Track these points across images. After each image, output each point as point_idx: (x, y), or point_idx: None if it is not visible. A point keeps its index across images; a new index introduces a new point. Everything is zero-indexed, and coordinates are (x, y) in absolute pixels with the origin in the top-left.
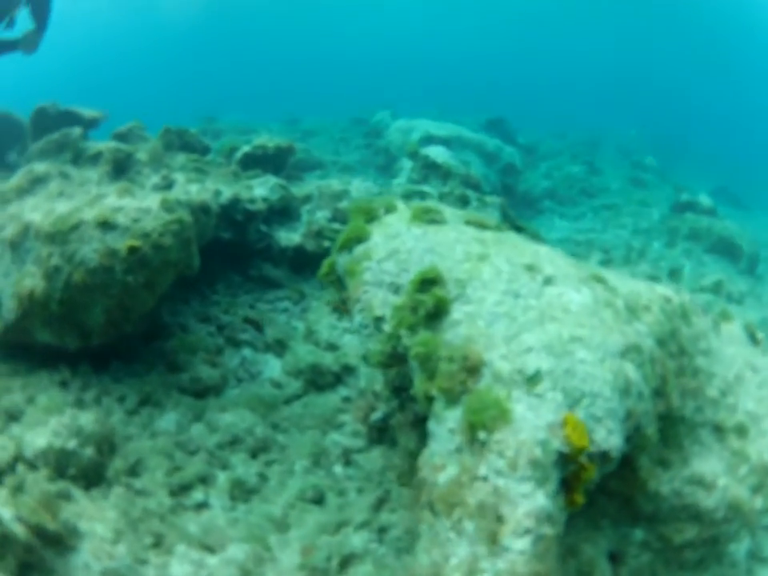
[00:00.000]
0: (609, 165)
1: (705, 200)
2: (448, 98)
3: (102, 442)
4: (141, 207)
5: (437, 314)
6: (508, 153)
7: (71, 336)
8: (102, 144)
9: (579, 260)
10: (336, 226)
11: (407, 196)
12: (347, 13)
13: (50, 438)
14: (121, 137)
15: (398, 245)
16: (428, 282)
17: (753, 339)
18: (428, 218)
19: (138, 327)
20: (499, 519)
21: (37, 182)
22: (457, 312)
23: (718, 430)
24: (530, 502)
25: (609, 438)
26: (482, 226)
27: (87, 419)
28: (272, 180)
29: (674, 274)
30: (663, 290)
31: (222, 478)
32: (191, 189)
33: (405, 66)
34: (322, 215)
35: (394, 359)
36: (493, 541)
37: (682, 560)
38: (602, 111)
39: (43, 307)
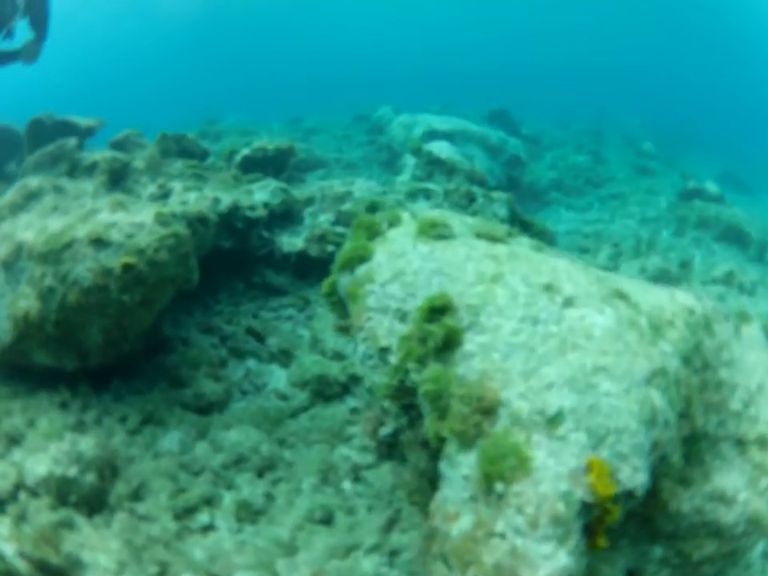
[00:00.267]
0: (614, 153)
1: (712, 187)
2: (450, 90)
3: (103, 467)
4: (135, 222)
5: (448, 346)
6: (512, 145)
7: (69, 357)
8: (97, 154)
9: (590, 257)
10: (339, 229)
11: (412, 194)
12: (346, 8)
13: (51, 466)
14: (117, 145)
15: (404, 265)
16: (437, 310)
17: None
18: (435, 232)
19: (138, 345)
20: None
21: (31, 198)
22: (470, 343)
23: (740, 443)
24: (551, 564)
25: (634, 477)
26: (493, 238)
27: (87, 444)
28: (273, 183)
29: (685, 266)
30: (685, 298)
31: (228, 498)
32: (189, 197)
33: (406, 60)
34: (324, 218)
35: (402, 392)
36: None
37: (700, 574)
38: (605, 99)
39: (39, 329)
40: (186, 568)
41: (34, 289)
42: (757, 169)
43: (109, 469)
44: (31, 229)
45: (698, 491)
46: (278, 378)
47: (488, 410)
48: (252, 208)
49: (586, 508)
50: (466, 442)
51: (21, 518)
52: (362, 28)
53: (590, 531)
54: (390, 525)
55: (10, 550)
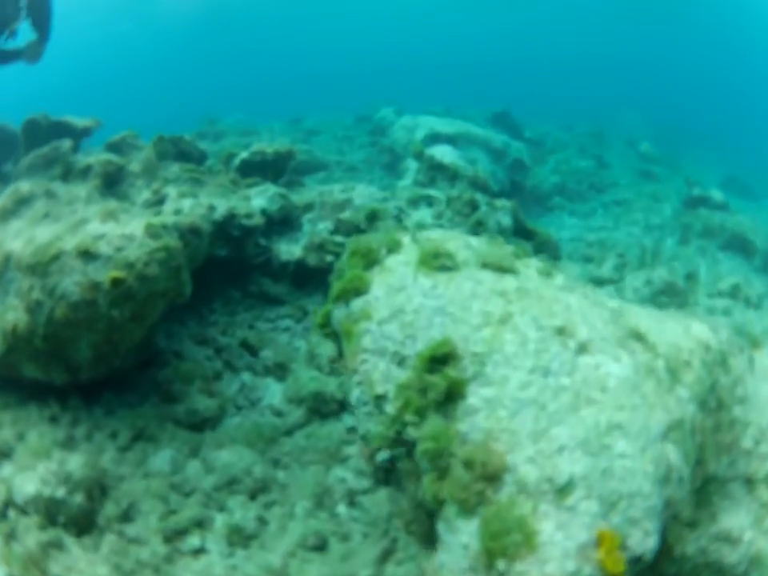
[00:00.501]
0: (617, 157)
1: (717, 194)
2: (453, 91)
3: (92, 487)
4: (124, 234)
5: (450, 398)
6: (515, 148)
7: (58, 371)
8: (92, 157)
9: (594, 267)
10: (338, 238)
11: (413, 201)
12: (348, 7)
13: (39, 486)
14: (113, 147)
15: (403, 301)
16: (439, 359)
17: None
18: (438, 263)
19: (129, 360)
20: None
21: (22, 203)
22: (474, 396)
23: (749, 481)
24: None
25: (645, 541)
26: (501, 267)
27: (76, 463)
28: (271, 189)
29: (690, 278)
30: (701, 331)
31: (220, 521)
32: (184, 204)
33: (408, 61)
34: (323, 227)
35: (399, 443)
36: None
37: None
38: (607, 100)
39: (27, 342)
40: None
41: (22, 301)
42: (761, 172)
43: (98, 489)
44: (20, 238)
45: (704, 532)
46: (274, 392)
47: (492, 476)
48: (249, 216)
49: None
50: (467, 508)
51: (10, 536)
52: (364, 28)
53: None
54: (385, 555)
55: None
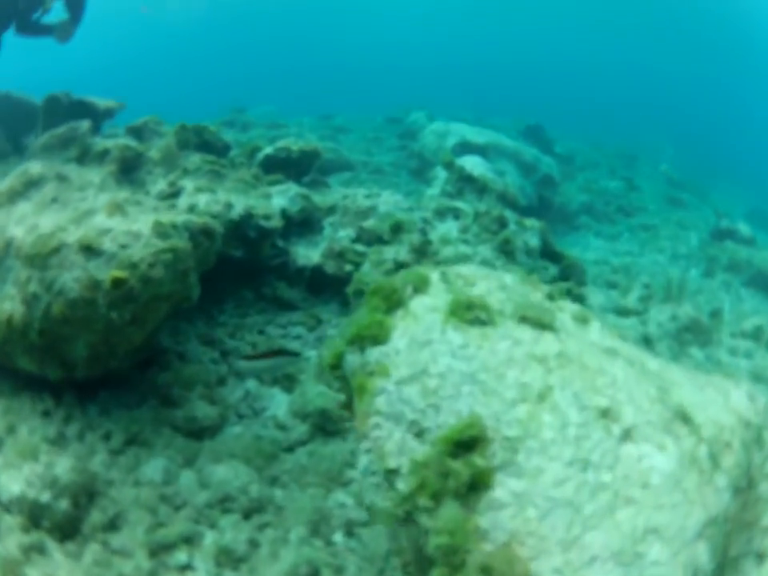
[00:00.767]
0: (646, 181)
1: (744, 228)
2: (483, 99)
3: (78, 493)
4: (131, 231)
5: (473, 488)
6: (546, 163)
7: (52, 367)
8: (110, 141)
9: (619, 295)
10: (360, 247)
11: (440, 213)
12: (386, 8)
13: (23, 488)
14: (135, 131)
15: (428, 360)
16: (465, 444)
17: None
18: (471, 316)
19: (126, 362)
20: None
21: (31, 185)
22: (501, 488)
23: (760, 556)
24: None
25: None
26: (539, 322)
27: (63, 467)
28: (293, 189)
29: (715, 315)
30: (740, 402)
31: (210, 539)
32: (199, 199)
33: (442, 65)
34: (345, 234)
35: (408, 523)
36: None
37: None
38: (638, 121)
39: (22, 335)
40: None
41: (19, 292)
42: None
43: (84, 495)
44: (23, 224)
45: None
46: (279, 403)
47: None
48: (267, 217)
49: None
50: None
51: None
52: (400, 28)
53: None
54: None
55: None
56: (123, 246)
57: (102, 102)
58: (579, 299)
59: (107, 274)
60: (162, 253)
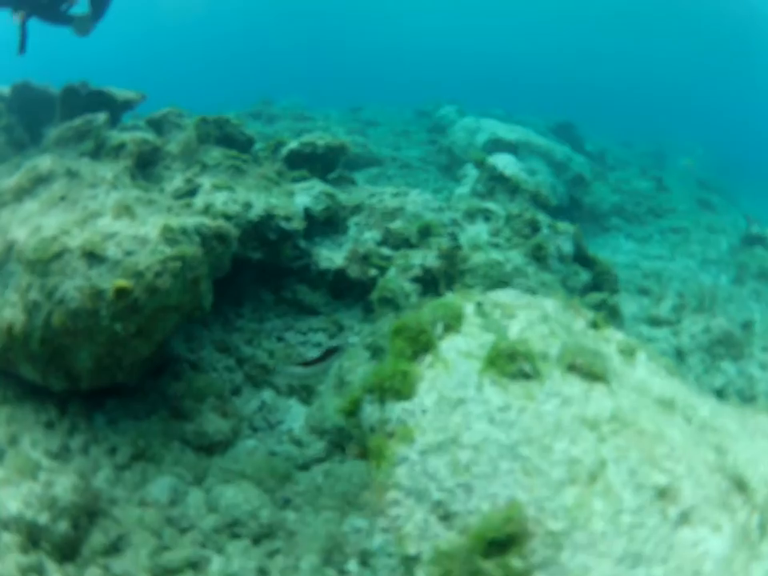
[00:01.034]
0: (676, 181)
1: None
2: (515, 95)
3: (78, 515)
4: (137, 235)
5: None
6: (577, 162)
7: (56, 378)
8: (127, 134)
9: (651, 303)
10: (386, 251)
11: (470, 214)
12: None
13: (21, 507)
14: (154, 124)
15: (460, 425)
16: (501, 542)
17: None
18: (513, 369)
19: (134, 375)
20: None
21: (39, 182)
22: None
23: None
24: None
25: None
26: (590, 373)
27: (63, 487)
28: (317, 186)
29: (746, 327)
30: None
31: (216, 565)
32: (217, 198)
33: (474, 60)
34: (370, 236)
35: None
36: None
37: None
38: (670, 120)
39: (23, 344)
40: None
41: (20, 299)
42: None
43: (85, 516)
44: (27, 225)
45: None
46: (296, 416)
47: None
48: (288, 218)
49: None
50: None
51: None
52: (433, 20)
53: None
54: None
55: None
56: (128, 253)
57: (121, 93)
58: (614, 311)
59: (111, 282)
60: (169, 260)
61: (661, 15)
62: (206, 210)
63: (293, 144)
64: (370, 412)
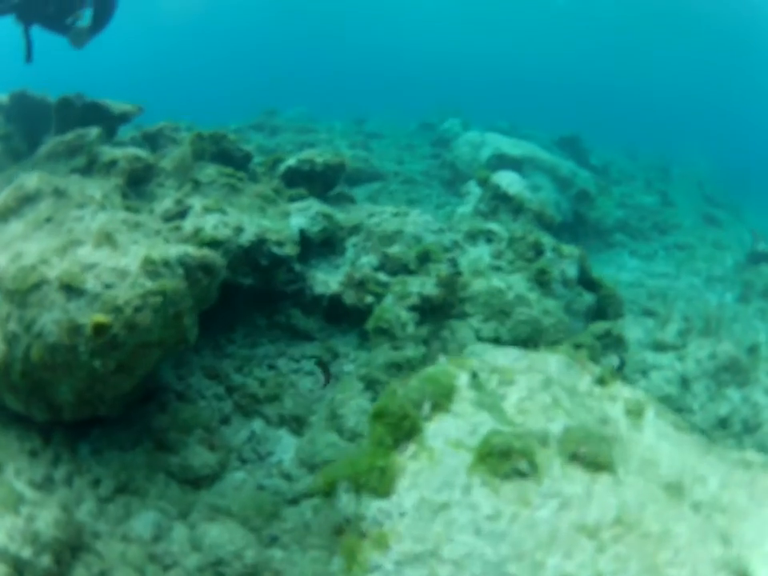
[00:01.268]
0: (681, 195)
1: None
2: (521, 105)
3: (61, 550)
4: (117, 267)
5: None
6: (582, 178)
7: (39, 409)
8: (119, 150)
9: (657, 326)
10: (383, 277)
11: (472, 236)
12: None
13: (5, 540)
14: (149, 138)
15: (441, 535)
16: None
17: None
18: (507, 468)
19: (117, 408)
20: None
21: (26, 202)
22: None
23: None
24: None
25: None
26: (595, 462)
27: (46, 522)
28: (314, 206)
29: (752, 352)
30: None
31: None
32: (207, 222)
33: (479, 72)
34: (367, 261)
35: None
36: None
37: None
38: (676, 130)
39: (4, 375)
40: None
41: (0, 328)
42: None
43: (68, 551)
44: (8, 250)
45: None
46: (286, 447)
47: None
48: (280, 244)
49: None
50: None
51: None
52: (437, 32)
53: None
54: None
55: None
56: (107, 286)
57: (118, 106)
58: (619, 341)
59: (89, 317)
60: (150, 295)
61: (665, 24)
62: (196, 234)
63: (291, 161)
64: (346, 502)
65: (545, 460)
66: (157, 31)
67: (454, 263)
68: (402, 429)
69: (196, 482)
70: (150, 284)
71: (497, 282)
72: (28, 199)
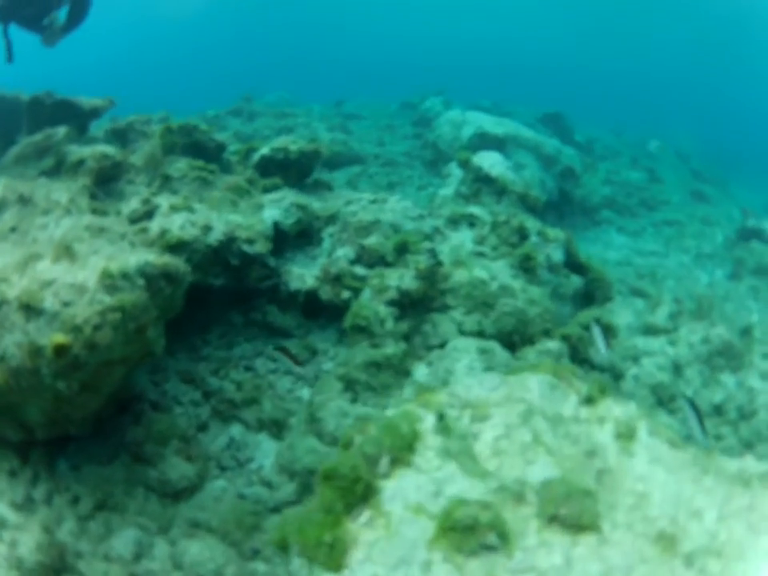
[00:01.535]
0: (669, 171)
1: None
2: (503, 83)
3: (46, 574)
4: (75, 283)
5: None
6: (567, 155)
7: (12, 429)
8: (87, 149)
9: (647, 308)
10: (360, 270)
11: (453, 221)
12: None
13: None
14: (119, 134)
15: None
16: None
17: None
18: (473, 544)
19: (87, 427)
20: None
21: None
22: None
23: None
24: None
25: None
26: (577, 525)
27: (29, 546)
28: (289, 197)
29: (746, 334)
30: None
31: None
32: (174, 222)
33: (459, 50)
34: (343, 253)
35: None
36: None
37: None
38: (662, 106)
39: None
40: None
41: None
42: None
43: (53, 573)
44: None
45: None
46: (266, 452)
47: None
48: (250, 241)
49: None
50: None
51: None
52: (419, 10)
53: None
54: None
55: None
56: (66, 304)
57: (88, 102)
58: (608, 330)
59: (49, 338)
60: (109, 312)
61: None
62: (162, 235)
63: (264, 150)
64: (298, 567)
65: (519, 523)
66: (134, 21)
67: (433, 253)
68: (354, 493)
69: (175, 494)
70: (108, 299)
71: (479, 271)
72: None
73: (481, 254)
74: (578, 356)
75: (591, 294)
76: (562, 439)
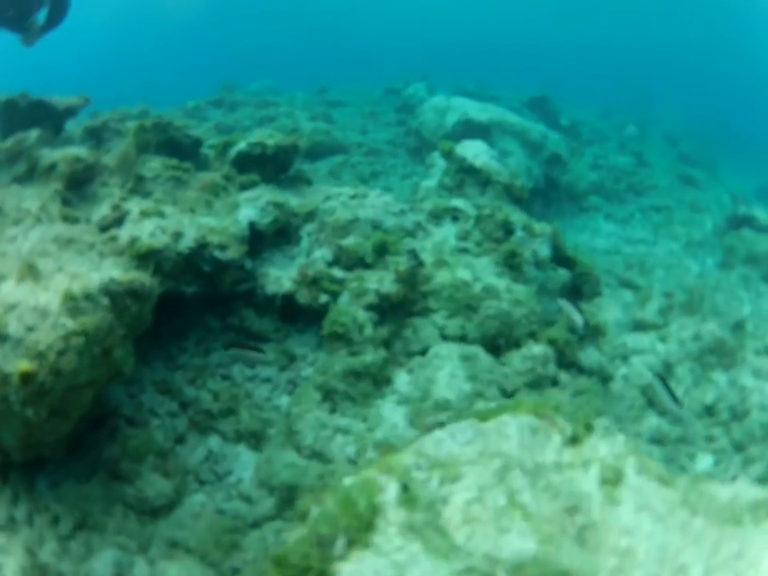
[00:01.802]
0: (657, 155)
1: (763, 215)
2: (488, 65)
3: None
4: (38, 306)
5: None
6: (553, 141)
7: None
8: (59, 152)
9: (636, 301)
10: (338, 272)
11: (436, 215)
12: None
13: None
14: (93, 133)
15: None
16: None
17: None
18: None
19: (61, 448)
20: None
21: None
22: None
23: None
24: None
25: None
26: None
27: (12, 569)
28: (266, 195)
29: (738, 328)
30: None
31: None
32: (144, 229)
33: (443, 33)
34: (320, 255)
35: None
36: None
37: None
38: (647, 88)
39: None
40: None
41: None
42: None
43: None
44: None
45: None
46: (245, 464)
47: None
48: (223, 247)
49: None
50: None
51: None
52: None
53: None
54: None
55: None
56: (30, 329)
57: (62, 101)
58: (596, 332)
59: (14, 365)
60: (72, 336)
61: None
62: (132, 244)
63: (241, 145)
64: None
65: None
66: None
67: (414, 254)
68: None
69: (153, 512)
70: (70, 324)
71: (462, 272)
72: None
73: (464, 251)
74: (565, 360)
75: (579, 289)
76: (541, 494)
